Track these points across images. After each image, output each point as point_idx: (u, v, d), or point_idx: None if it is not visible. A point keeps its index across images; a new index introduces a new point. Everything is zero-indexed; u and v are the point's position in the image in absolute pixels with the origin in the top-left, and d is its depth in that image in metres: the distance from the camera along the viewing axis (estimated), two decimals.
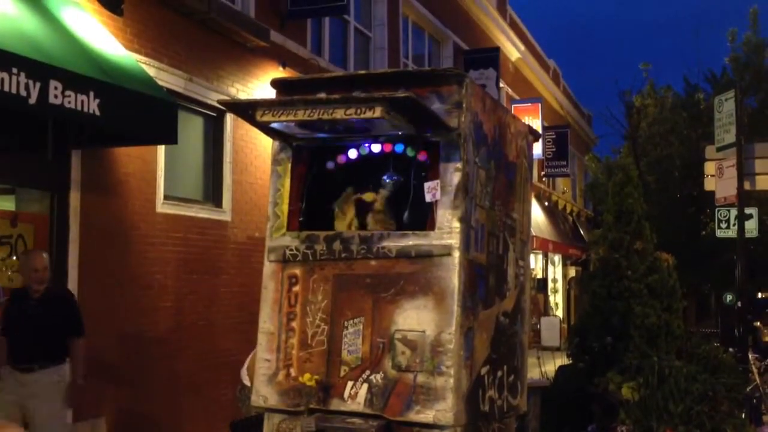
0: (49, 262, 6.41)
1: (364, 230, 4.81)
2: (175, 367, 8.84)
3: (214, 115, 9.79)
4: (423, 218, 4.70)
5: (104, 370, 7.87)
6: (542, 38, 28.46)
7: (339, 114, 4.23)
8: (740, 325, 11.91)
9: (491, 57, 18.52)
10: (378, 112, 4.14)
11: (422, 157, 4.79)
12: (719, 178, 12.36)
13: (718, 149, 12.29)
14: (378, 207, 4.90)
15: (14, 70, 5.70)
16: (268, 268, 4.84)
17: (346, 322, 4.57)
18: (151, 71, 8.27)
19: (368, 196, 4.94)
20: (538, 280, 24.68)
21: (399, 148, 4.84)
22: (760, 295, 28.38)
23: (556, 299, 27.97)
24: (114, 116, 6.65)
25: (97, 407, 7.79)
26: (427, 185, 4.58)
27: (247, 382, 6.78)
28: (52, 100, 6.01)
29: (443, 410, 4.28)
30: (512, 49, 22.48)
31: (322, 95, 4.54)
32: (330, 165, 5.06)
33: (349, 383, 4.50)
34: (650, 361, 7.37)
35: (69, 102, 6.15)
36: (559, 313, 26.99)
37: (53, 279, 7.26)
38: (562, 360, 9.84)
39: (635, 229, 8.38)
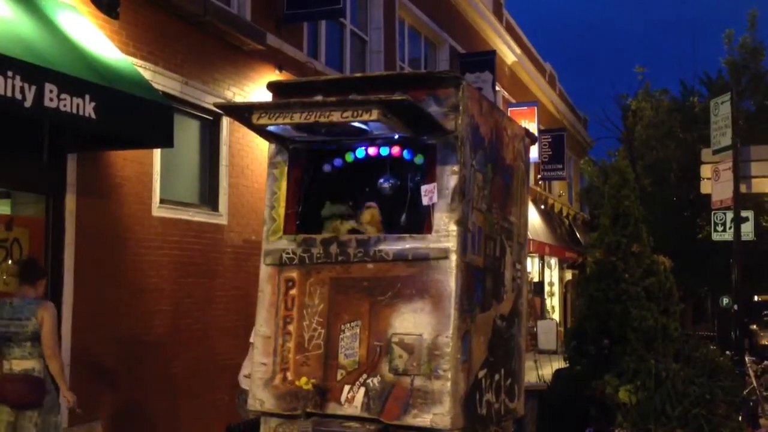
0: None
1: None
2: (171, 370, 8.81)
3: (211, 118, 9.77)
4: (420, 221, 4.69)
5: (100, 374, 7.84)
6: (538, 41, 28.52)
7: (336, 117, 4.22)
8: (737, 328, 11.90)
9: (487, 60, 18.54)
10: (375, 114, 4.13)
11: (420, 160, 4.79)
12: (715, 181, 12.36)
13: (714, 152, 12.28)
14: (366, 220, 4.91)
15: (9, 74, 5.68)
16: (265, 271, 4.83)
17: (343, 326, 4.56)
18: (147, 74, 8.25)
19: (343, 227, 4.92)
20: (535, 283, 24.67)
21: (395, 150, 4.83)
22: (756, 298, 28.41)
23: (553, 302, 27.97)
24: (110, 119, 6.63)
25: (94, 411, 7.77)
26: (424, 188, 4.57)
27: (245, 386, 6.75)
28: (47, 103, 5.99)
29: (440, 414, 4.27)
30: (508, 53, 22.50)
31: (319, 98, 4.53)
32: (327, 168, 5.05)
33: (346, 387, 4.49)
34: (647, 365, 7.34)
35: (64, 105, 6.13)
36: (556, 316, 26.99)
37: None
38: (559, 363, 9.81)
39: (632, 232, 8.34)
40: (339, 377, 4.52)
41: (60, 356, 5.94)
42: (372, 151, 4.87)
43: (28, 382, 5.66)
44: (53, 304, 5.99)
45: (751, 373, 10.67)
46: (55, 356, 5.77)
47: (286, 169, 4.94)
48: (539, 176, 25.24)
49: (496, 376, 4.91)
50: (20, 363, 5.67)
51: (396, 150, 4.80)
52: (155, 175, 8.70)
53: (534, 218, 23.73)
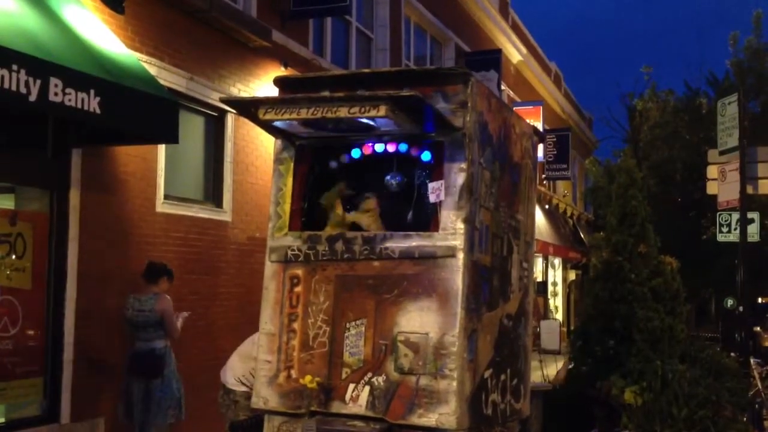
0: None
1: (357, 229, 4.76)
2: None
3: (216, 114, 9.74)
4: (427, 219, 4.65)
5: (104, 370, 7.81)
6: (544, 41, 28.45)
7: (343, 112, 4.18)
8: (741, 330, 11.86)
9: (493, 59, 18.47)
10: (383, 110, 4.09)
11: (426, 157, 4.74)
12: (722, 182, 12.33)
13: (721, 153, 12.25)
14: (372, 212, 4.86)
15: (14, 67, 5.65)
16: (270, 268, 4.79)
17: (348, 324, 4.52)
18: (153, 70, 8.22)
19: (368, 203, 4.88)
20: (539, 283, 24.61)
21: (403, 147, 4.79)
22: (760, 300, 28.33)
23: (556, 302, 27.92)
24: (114, 114, 6.59)
25: (97, 407, 7.74)
26: (431, 185, 4.53)
27: (232, 386, 6.70)
28: (52, 97, 5.95)
29: (446, 414, 4.23)
30: (514, 52, 22.44)
31: (326, 93, 4.49)
32: (333, 164, 5.01)
33: (351, 385, 4.45)
34: (653, 365, 7.29)
35: (69, 100, 6.09)
36: (559, 316, 26.94)
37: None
38: (563, 363, 9.78)
39: (639, 232, 8.28)
40: (344, 376, 4.48)
41: (178, 332, 7.58)
42: (379, 147, 4.83)
43: (152, 357, 7.32)
44: (169, 297, 7.54)
45: (756, 375, 10.62)
46: (176, 333, 7.54)
47: (292, 165, 4.90)
48: (544, 176, 25.16)
49: (502, 376, 4.86)
50: (146, 344, 7.34)
51: (403, 146, 4.76)
52: (159, 171, 8.67)
53: (538, 218, 23.67)
